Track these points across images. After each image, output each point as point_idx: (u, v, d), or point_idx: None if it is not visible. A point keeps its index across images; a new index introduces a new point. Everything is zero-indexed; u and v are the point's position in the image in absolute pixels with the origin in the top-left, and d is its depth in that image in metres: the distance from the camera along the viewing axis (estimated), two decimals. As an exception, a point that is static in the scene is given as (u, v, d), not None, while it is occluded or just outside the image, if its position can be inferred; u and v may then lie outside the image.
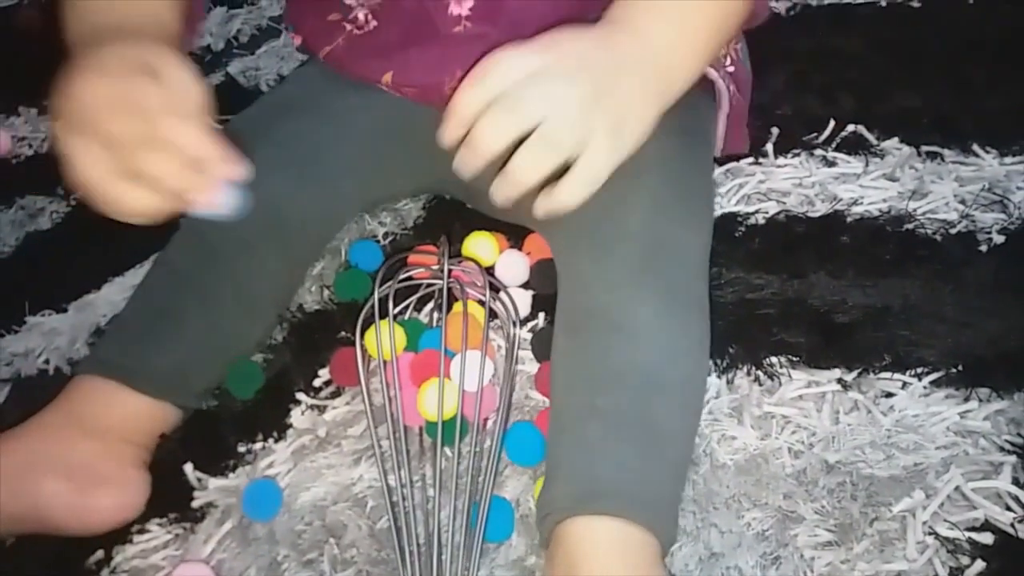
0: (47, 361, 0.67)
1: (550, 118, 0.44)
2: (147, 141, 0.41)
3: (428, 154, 0.66)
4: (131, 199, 0.43)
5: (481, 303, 0.62)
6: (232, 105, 0.70)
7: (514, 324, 0.62)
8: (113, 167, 0.42)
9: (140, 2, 0.49)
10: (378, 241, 0.71)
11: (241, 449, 0.59)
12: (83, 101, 0.42)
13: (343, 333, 0.64)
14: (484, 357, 0.58)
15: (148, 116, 0.41)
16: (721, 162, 0.71)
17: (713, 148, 0.67)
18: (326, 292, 0.67)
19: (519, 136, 0.45)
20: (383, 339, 0.60)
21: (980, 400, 0.56)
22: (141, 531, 0.56)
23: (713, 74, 0.61)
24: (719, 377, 0.59)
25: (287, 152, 0.63)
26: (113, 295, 0.71)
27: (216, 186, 0.43)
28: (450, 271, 0.64)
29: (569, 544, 0.47)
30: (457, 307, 0.62)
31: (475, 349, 0.59)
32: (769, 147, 0.73)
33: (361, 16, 0.62)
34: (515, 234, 0.68)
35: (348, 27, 0.63)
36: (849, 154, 0.71)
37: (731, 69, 0.65)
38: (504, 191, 0.47)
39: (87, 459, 0.54)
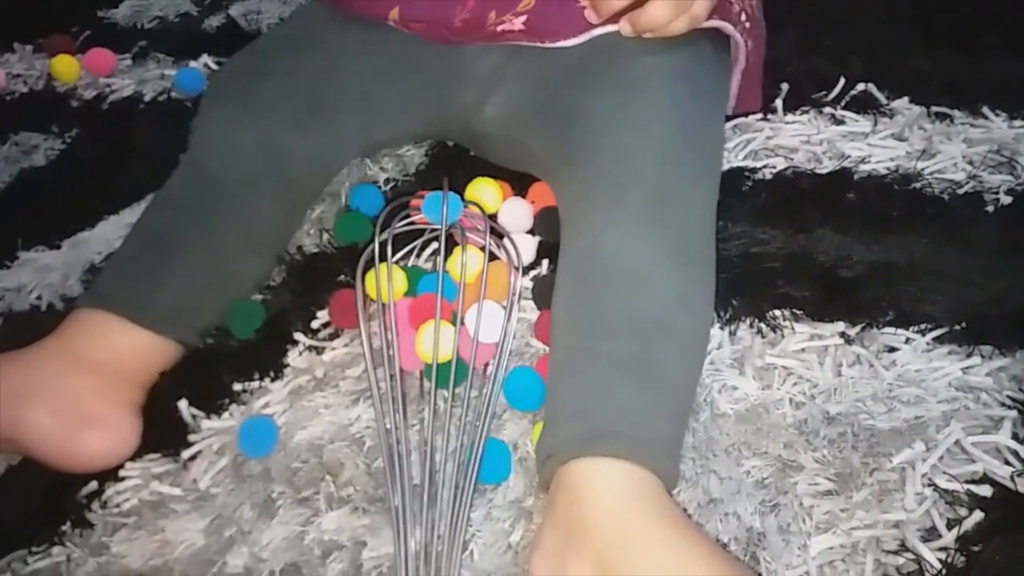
0: (39, 297, 0.66)
1: None
2: None
3: (432, 92, 0.65)
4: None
5: (482, 248, 0.62)
6: (233, 48, 0.69)
7: (516, 270, 0.61)
8: None
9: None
10: (379, 187, 0.70)
11: (236, 388, 0.58)
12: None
13: (342, 276, 0.63)
14: (512, 308, 0.57)
15: None
16: (730, 117, 0.70)
17: (726, 101, 0.66)
18: (326, 235, 0.66)
19: None
20: (383, 283, 0.59)
21: (982, 356, 0.55)
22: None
23: (728, 28, 0.61)
24: (722, 328, 0.58)
25: (288, 87, 0.62)
26: (107, 233, 0.70)
27: None
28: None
29: (572, 486, 0.46)
30: (458, 252, 0.61)
31: (493, 300, 0.58)
32: (778, 103, 0.72)
33: None
34: (519, 182, 0.67)
35: None
36: (858, 113, 0.71)
37: (748, 25, 0.64)
38: None
39: (78, 395, 0.53)
